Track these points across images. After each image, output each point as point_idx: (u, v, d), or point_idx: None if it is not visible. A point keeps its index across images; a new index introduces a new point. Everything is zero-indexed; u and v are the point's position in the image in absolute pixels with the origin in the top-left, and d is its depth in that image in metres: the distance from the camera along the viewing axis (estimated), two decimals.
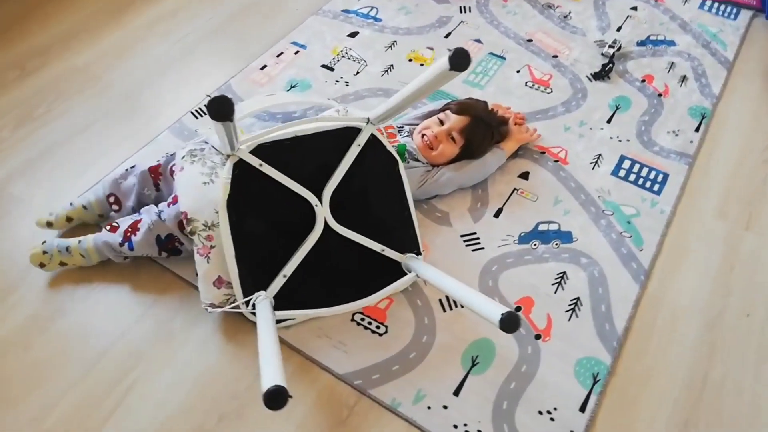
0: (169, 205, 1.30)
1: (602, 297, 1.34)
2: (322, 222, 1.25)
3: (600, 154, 1.64)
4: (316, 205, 1.24)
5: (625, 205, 1.52)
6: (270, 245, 1.25)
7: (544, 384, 1.20)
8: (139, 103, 1.75)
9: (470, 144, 1.50)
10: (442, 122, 1.50)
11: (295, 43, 1.95)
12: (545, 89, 1.83)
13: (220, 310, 1.22)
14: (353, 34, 2.00)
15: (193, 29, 2.00)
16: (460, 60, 0.89)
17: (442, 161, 1.49)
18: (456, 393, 1.18)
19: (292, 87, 1.81)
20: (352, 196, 1.28)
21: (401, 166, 1.31)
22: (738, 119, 1.77)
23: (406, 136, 1.51)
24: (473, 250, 1.42)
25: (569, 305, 1.33)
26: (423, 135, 1.49)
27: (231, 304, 1.22)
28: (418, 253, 1.32)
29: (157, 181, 1.40)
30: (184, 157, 1.31)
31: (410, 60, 1.91)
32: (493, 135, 1.54)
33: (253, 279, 1.23)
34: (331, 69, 1.87)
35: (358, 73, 1.86)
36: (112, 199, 1.41)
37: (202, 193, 1.24)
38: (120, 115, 1.71)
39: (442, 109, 1.54)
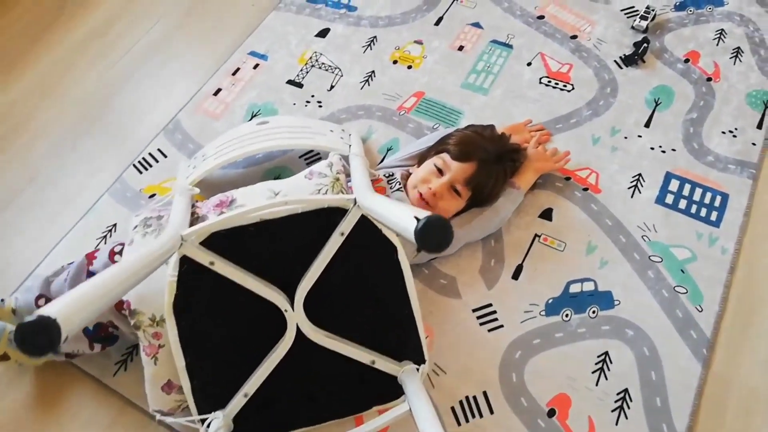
0: None
1: (656, 385, 1.07)
2: (294, 329, 0.98)
3: (640, 174, 1.31)
4: (286, 311, 0.97)
5: (676, 246, 1.22)
6: (229, 356, 1.01)
7: None
8: (70, 161, 1.44)
9: (479, 194, 1.19)
10: (440, 171, 1.18)
11: (253, 54, 1.60)
12: (564, 85, 1.47)
13: (171, 419, 1.02)
14: (323, 32, 1.63)
15: (129, 46, 1.65)
16: (429, 239, 0.56)
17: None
18: None
19: (253, 115, 1.48)
20: (334, 290, 0.99)
21: (401, 253, 1.01)
22: None
23: (398, 189, 1.20)
24: (489, 330, 1.14)
25: (616, 401, 1.06)
26: (419, 192, 1.18)
27: (183, 412, 1.03)
28: (420, 362, 1.04)
29: (89, 269, 1.14)
30: (136, 227, 1.08)
31: (395, 62, 1.55)
32: (506, 174, 1.23)
33: (209, 395, 1.01)
34: (299, 85, 1.53)
35: (332, 87, 1.51)
36: (41, 302, 1.15)
37: (150, 278, 0.98)
38: (46, 180, 1.42)
39: (438, 150, 1.22)
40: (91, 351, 1.10)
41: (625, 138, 1.37)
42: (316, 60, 1.57)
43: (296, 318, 0.98)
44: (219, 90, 1.53)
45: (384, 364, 1.03)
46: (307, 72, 1.55)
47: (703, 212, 1.25)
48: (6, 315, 1.15)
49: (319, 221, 0.97)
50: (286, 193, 1.09)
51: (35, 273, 1.26)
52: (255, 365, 1.00)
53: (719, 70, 1.46)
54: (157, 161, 1.41)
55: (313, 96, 1.50)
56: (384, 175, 1.23)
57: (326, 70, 1.55)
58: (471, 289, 1.19)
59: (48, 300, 1.16)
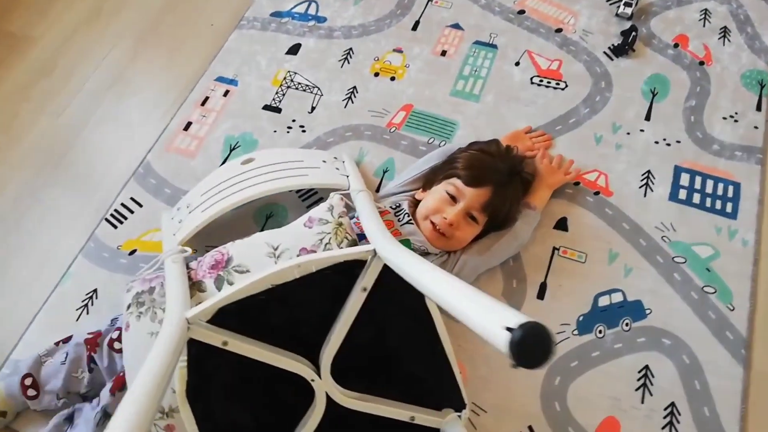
0: (112, 392, 0.95)
1: (702, 395, 1.03)
2: (323, 399, 0.89)
3: (649, 171, 1.27)
4: (313, 380, 0.88)
5: (697, 243, 1.18)
6: None
7: None
8: (31, 222, 1.29)
9: (495, 218, 1.11)
10: (453, 198, 1.10)
11: (221, 80, 1.47)
12: (558, 83, 1.41)
13: None
14: (294, 49, 1.51)
15: (80, 84, 1.49)
16: (528, 356, 0.46)
17: (461, 246, 1.12)
18: None
19: (231, 149, 1.36)
20: (361, 348, 0.91)
21: (429, 299, 0.92)
22: None
23: (408, 222, 1.11)
24: None
25: (664, 417, 1.02)
26: (432, 222, 1.10)
27: None
28: (460, 408, 0.97)
29: (92, 356, 1.03)
30: (129, 307, 0.97)
31: (376, 74, 1.45)
32: (520, 192, 1.16)
33: None
34: (277, 110, 1.41)
35: (313, 109, 1.41)
36: (28, 382, 1.04)
37: None
38: (6, 248, 1.26)
39: (446, 174, 1.13)
40: None
41: (628, 134, 1.32)
42: (291, 80, 1.46)
43: (324, 386, 0.89)
44: (189, 124, 1.40)
45: (424, 417, 0.95)
46: (284, 94, 1.43)
47: (718, 205, 1.22)
48: None
49: (336, 277, 0.88)
50: (286, 247, 0.98)
51: (11, 359, 1.12)
52: None
53: (710, 52, 1.43)
54: (131, 212, 1.28)
55: (294, 120, 1.39)
56: (390, 207, 1.15)
57: (304, 90, 1.44)
58: None
59: (35, 381, 1.04)
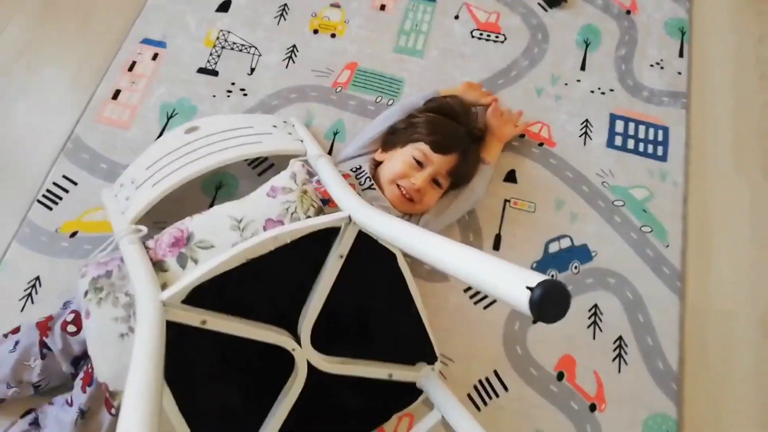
0: (83, 389, 0.94)
1: (645, 327, 1.13)
2: (305, 367, 0.90)
3: (587, 120, 1.33)
4: (294, 349, 0.89)
5: (634, 186, 1.26)
6: (237, 413, 0.92)
7: None
8: None
9: (457, 180, 1.14)
10: (420, 164, 1.11)
11: (147, 42, 1.37)
12: (497, 36, 1.42)
13: None
14: (224, 5, 1.42)
15: None
16: (548, 313, 0.48)
17: (425, 210, 1.13)
18: None
19: (169, 118, 1.28)
20: (338, 313, 0.92)
21: (400, 258, 0.94)
22: (719, 24, 1.47)
23: (370, 187, 1.11)
24: (484, 308, 1.14)
25: (614, 350, 1.11)
26: (399, 186, 1.10)
27: None
28: (433, 361, 1.01)
29: (44, 341, 0.98)
30: (87, 293, 0.92)
31: (315, 31, 1.40)
32: (478, 152, 1.18)
33: None
34: (214, 72, 1.34)
35: (252, 70, 1.35)
36: None
37: (121, 351, 0.89)
38: None
39: (410, 138, 1.13)
40: None
41: (566, 85, 1.37)
42: (225, 40, 1.38)
43: (305, 354, 0.90)
44: (118, 92, 1.30)
45: (401, 374, 0.99)
46: (219, 56, 1.36)
47: (650, 149, 1.30)
48: None
49: (311, 246, 0.87)
50: (251, 219, 0.95)
51: None
52: (267, 412, 0.92)
53: (635, 1, 1.49)
54: (66, 191, 1.19)
55: (233, 84, 1.33)
56: (351, 170, 1.14)
57: (240, 50, 1.37)
58: None
59: None
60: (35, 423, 0.99)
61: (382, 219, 0.81)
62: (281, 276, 0.88)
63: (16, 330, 1.02)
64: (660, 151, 1.30)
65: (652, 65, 1.40)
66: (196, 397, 0.86)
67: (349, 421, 1.01)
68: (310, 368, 0.91)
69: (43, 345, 0.98)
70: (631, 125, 1.32)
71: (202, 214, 0.98)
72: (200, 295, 0.80)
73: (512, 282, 0.48)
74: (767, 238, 1.23)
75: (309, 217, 0.97)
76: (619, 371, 1.10)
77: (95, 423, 0.94)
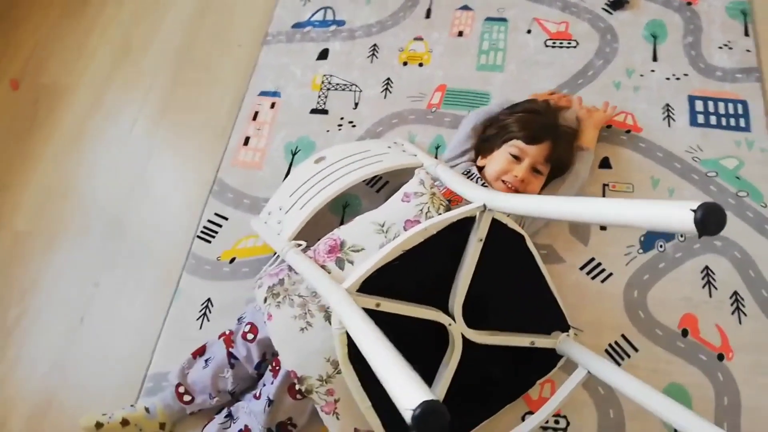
0: (272, 381, 1.09)
1: (757, 281, 1.21)
2: (460, 339, 1.03)
3: (667, 105, 1.44)
4: (450, 324, 1.02)
5: (723, 157, 1.36)
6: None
7: (757, 410, 1.09)
8: (124, 253, 1.40)
9: (557, 166, 1.27)
10: (517, 158, 1.25)
11: (264, 94, 1.59)
12: (569, 43, 1.57)
13: None
14: (323, 54, 1.64)
15: (127, 126, 1.59)
16: (711, 226, 0.60)
17: None
18: None
19: (294, 154, 1.48)
20: (482, 291, 1.05)
21: (528, 239, 1.08)
22: None
23: (483, 185, 1.26)
24: (602, 281, 1.24)
25: (731, 305, 1.19)
26: (504, 181, 1.24)
27: None
28: (566, 329, 1.13)
29: (230, 351, 1.15)
30: (266, 299, 1.09)
31: (405, 63, 1.59)
32: (571, 138, 1.32)
33: (399, 425, 1.04)
34: (324, 111, 1.54)
35: (356, 105, 1.54)
36: (182, 390, 1.16)
37: (303, 342, 1.05)
38: (110, 278, 1.37)
39: (504, 139, 1.28)
40: None
41: (641, 76, 1.49)
42: (329, 82, 1.58)
43: (459, 328, 1.03)
44: (248, 139, 1.52)
45: (541, 341, 1.11)
46: (326, 96, 1.56)
47: (733, 122, 1.40)
48: (140, 419, 1.14)
49: (452, 236, 1.02)
50: (392, 222, 1.11)
51: (150, 374, 1.23)
52: (430, 383, 1.06)
53: None
54: (220, 226, 1.40)
55: (342, 118, 1.52)
56: (463, 173, 1.29)
57: (343, 89, 1.57)
58: (570, 250, 1.28)
59: (187, 389, 1.16)
60: (229, 415, 1.15)
61: (519, 198, 0.95)
62: (429, 264, 1.02)
63: (202, 349, 1.19)
64: (742, 122, 1.39)
65: (720, 47, 1.51)
66: (371, 371, 1.00)
67: (498, 389, 1.13)
68: (464, 341, 1.04)
69: (230, 356, 1.15)
70: (710, 103, 1.43)
71: (348, 225, 1.15)
72: (370, 284, 0.96)
73: (677, 209, 0.60)
74: None
75: (440, 214, 1.12)
76: (740, 323, 1.17)
77: (281, 409, 1.09)
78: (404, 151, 1.35)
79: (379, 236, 1.11)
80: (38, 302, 1.35)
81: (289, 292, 1.10)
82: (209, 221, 1.41)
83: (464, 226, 1.02)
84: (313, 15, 1.71)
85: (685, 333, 1.17)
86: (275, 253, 1.35)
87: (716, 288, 1.21)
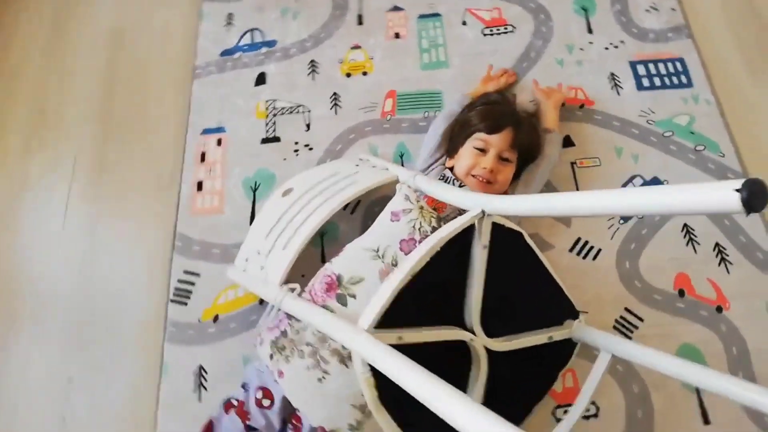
0: None
1: (734, 227, 1.27)
2: (483, 352, 1.01)
3: (612, 73, 1.47)
4: (472, 339, 0.99)
5: (675, 116, 1.41)
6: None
7: (765, 351, 1.14)
8: (92, 338, 1.27)
9: (526, 152, 1.26)
10: (483, 150, 1.23)
11: (208, 132, 1.48)
12: (506, 28, 1.57)
13: None
14: (261, 79, 1.55)
15: (62, 197, 1.44)
16: (758, 202, 0.60)
17: (506, 188, 1.26)
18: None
19: (254, 190, 1.40)
20: (495, 299, 1.03)
21: (526, 235, 1.06)
22: None
23: (461, 185, 1.23)
24: (593, 259, 1.26)
25: (716, 257, 1.24)
26: (473, 176, 1.22)
27: None
28: (576, 316, 1.13)
29: (247, 424, 1.07)
30: (272, 356, 1.03)
31: (348, 75, 1.53)
32: (533, 122, 1.32)
33: None
34: (276, 139, 1.46)
35: (309, 126, 1.47)
36: None
37: (325, 393, 0.99)
38: (91, 367, 1.25)
39: (466, 134, 1.26)
40: None
41: (581, 50, 1.52)
42: (274, 107, 1.50)
43: (481, 341, 1.00)
44: (200, 183, 1.41)
45: (558, 334, 1.10)
46: (274, 123, 1.48)
47: (675, 80, 1.45)
48: None
49: (455, 248, 0.99)
50: (386, 244, 1.06)
51: None
52: None
53: None
54: (192, 284, 1.30)
55: (296, 143, 1.45)
56: (439, 179, 1.26)
57: (291, 112, 1.49)
58: (555, 235, 1.29)
59: None
60: None
61: (516, 199, 0.93)
62: (436, 280, 0.98)
63: (209, 427, 1.08)
64: (684, 79, 1.45)
65: (647, 10, 1.56)
66: (405, 409, 0.96)
67: (527, 391, 1.12)
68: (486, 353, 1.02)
69: (248, 429, 1.07)
70: (651, 66, 1.47)
71: (339, 257, 1.09)
72: (385, 318, 0.91)
73: (721, 191, 0.59)
74: None
75: (433, 227, 1.09)
76: (728, 272, 1.22)
77: None
78: (374, 167, 1.30)
79: (375, 262, 1.06)
80: (9, 412, 1.21)
81: (295, 342, 1.03)
82: (180, 281, 1.30)
83: (465, 234, 1.00)
84: (240, 39, 1.62)
85: (681, 293, 1.21)
86: (261, 301, 1.27)
87: (699, 243, 1.26)
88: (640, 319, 1.19)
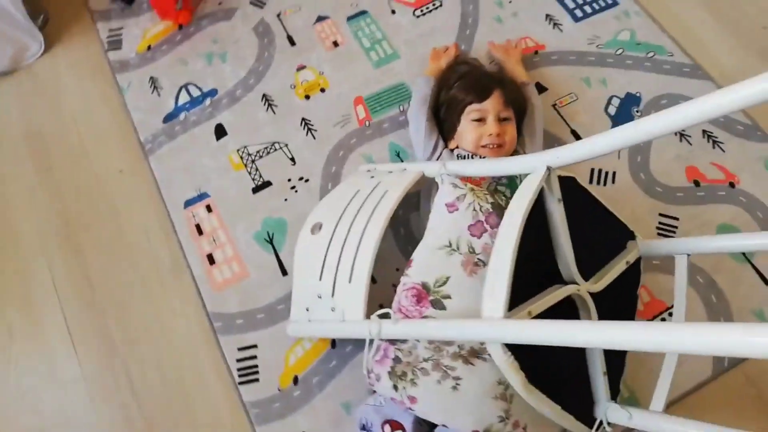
0: None
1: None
2: (589, 297, 1.03)
3: (547, 14, 1.55)
4: (578, 290, 1.01)
5: (617, 33, 1.52)
6: (575, 368, 1.06)
7: None
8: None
9: (517, 107, 1.30)
10: (481, 120, 1.25)
11: (191, 203, 1.36)
12: (434, 5, 1.59)
13: None
14: (220, 131, 1.45)
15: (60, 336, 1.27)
16: None
17: (515, 145, 1.28)
18: None
19: (271, 241, 1.31)
20: (577, 245, 1.06)
21: (576, 178, 1.10)
22: None
23: (482, 157, 1.24)
24: (612, 182, 1.33)
25: (708, 141, 1.36)
26: (484, 146, 1.24)
27: None
28: (634, 236, 1.19)
29: None
30: (396, 387, 1.00)
31: (307, 97, 1.48)
32: (511, 76, 1.36)
33: (585, 413, 1.05)
34: (268, 184, 1.37)
35: (293, 160, 1.40)
36: None
37: (464, 399, 0.97)
38: None
39: (457, 112, 1.27)
40: None
41: (510, 2, 1.58)
42: (249, 154, 1.41)
43: (585, 288, 1.03)
44: (210, 256, 1.30)
45: (630, 256, 1.16)
46: (257, 169, 1.39)
47: (603, 3, 1.56)
48: None
49: (537, 210, 1.00)
50: (457, 235, 1.05)
51: None
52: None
53: None
54: (254, 357, 1.20)
55: (289, 180, 1.37)
56: (459, 157, 1.26)
57: (268, 153, 1.41)
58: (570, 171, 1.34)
59: None
60: None
61: (575, 147, 0.96)
62: (528, 248, 0.99)
63: None
64: (609, 0, 1.57)
65: None
66: (552, 383, 0.96)
67: (625, 319, 1.16)
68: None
69: None
70: None
71: (411, 267, 1.06)
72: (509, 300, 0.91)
73: None
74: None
75: (491, 202, 1.09)
76: (724, 151, 1.35)
77: None
78: (391, 172, 1.27)
79: (453, 256, 1.05)
80: None
81: (413, 364, 0.99)
82: (239, 360, 1.19)
83: (540, 198, 1.01)
84: (177, 99, 1.49)
85: (697, 183, 1.32)
86: (333, 344, 1.22)
87: (689, 135, 1.37)
88: (675, 219, 1.28)
